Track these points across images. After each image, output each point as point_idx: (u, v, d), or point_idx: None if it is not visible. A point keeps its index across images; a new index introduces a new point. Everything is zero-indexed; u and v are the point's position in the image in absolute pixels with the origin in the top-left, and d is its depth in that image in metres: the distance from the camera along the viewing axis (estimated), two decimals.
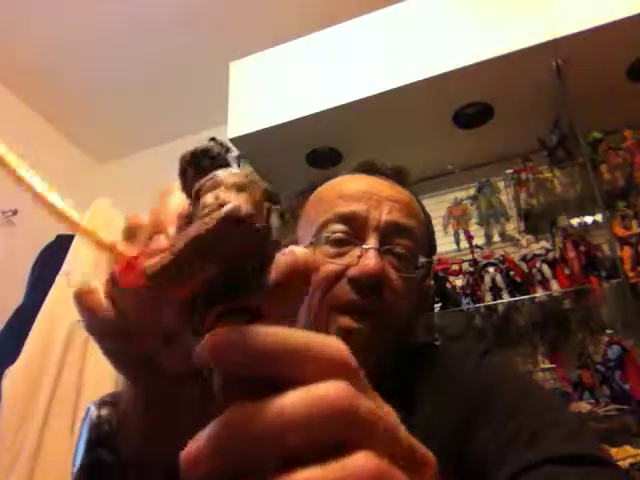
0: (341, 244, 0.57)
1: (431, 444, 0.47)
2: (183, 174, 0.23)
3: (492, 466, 0.45)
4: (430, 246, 0.65)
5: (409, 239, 0.59)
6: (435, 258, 2.26)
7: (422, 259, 0.59)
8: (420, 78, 1.85)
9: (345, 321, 0.54)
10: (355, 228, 0.57)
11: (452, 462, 0.47)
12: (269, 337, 0.18)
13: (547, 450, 0.43)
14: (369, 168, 0.65)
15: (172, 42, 2.42)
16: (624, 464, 1.33)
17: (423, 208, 0.66)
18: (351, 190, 0.61)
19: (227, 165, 0.22)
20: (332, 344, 0.19)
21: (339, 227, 0.58)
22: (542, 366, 1.79)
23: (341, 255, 0.57)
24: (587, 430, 0.53)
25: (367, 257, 0.54)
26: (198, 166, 0.22)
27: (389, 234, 0.57)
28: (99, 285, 0.24)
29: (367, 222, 0.57)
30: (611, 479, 0.42)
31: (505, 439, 0.46)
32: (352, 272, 0.55)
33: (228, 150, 0.23)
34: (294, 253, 0.22)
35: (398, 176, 0.65)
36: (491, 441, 0.47)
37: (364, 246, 0.56)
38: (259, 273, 0.21)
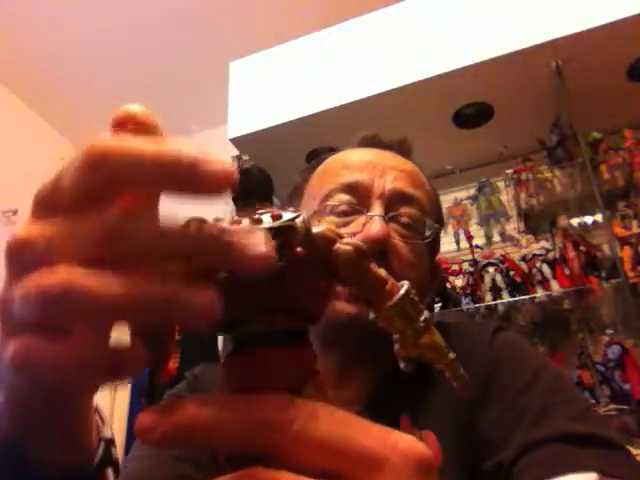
0: (346, 214, 0.56)
1: (447, 424, 0.48)
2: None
3: (500, 443, 0.45)
4: (438, 219, 0.64)
5: (415, 208, 0.57)
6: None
7: (430, 228, 0.58)
8: (420, 78, 1.86)
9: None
10: (360, 197, 0.56)
11: (466, 441, 0.47)
12: (185, 412, 0.18)
13: (556, 428, 0.43)
14: (373, 141, 0.65)
15: (172, 42, 2.42)
16: None
17: (429, 181, 0.65)
18: (355, 160, 0.60)
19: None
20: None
21: (344, 197, 0.57)
22: None
23: (346, 225, 0.55)
24: (596, 411, 0.52)
25: (371, 224, 0.53)
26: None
27: (394, 202, 0.56)
28: None
29: (371, 191, 0.56)
30: (621, 461, 0.41)
31: (513, 417, 0.46)
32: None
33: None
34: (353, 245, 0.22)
35: (401, 148, 0.65)
36: (500, 419, 0.47)
37: (369, 214, 0.55)
38: None
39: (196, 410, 0.18)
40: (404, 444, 0.18)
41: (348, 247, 0.21)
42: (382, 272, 0.22)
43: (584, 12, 1.71)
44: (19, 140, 2.59)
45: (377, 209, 0.55)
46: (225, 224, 0.20)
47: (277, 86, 2.14)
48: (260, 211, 0.21)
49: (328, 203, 0.57)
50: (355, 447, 0.18)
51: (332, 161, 0.64)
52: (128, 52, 2.46)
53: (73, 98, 2.69)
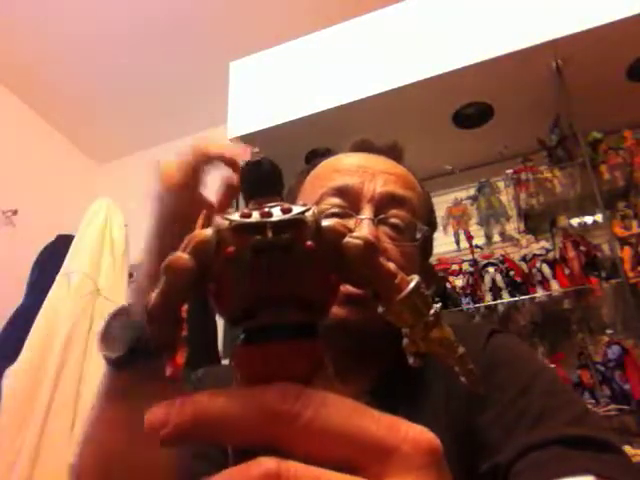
0: (336, 218, 0.56)
1: (441, 425, 0.48)
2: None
3: (498, 445, 0.45)
4: (430, 221, 0.64)
5: (406, 210, 0.58)
6: (435, 258, 2.22)
7: (421, 230, 0.58)
8: (420, 78, 1.85)
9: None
10: (350, 201, 0.57)
11: (461, 442, 0.47)
12: (196, 409, 0.18)
13: (554, 431, 0.43)
14: (365, 146, 0.66)
15: (172, 42, 2.42)
16: None
17: (421, 184, 0.66)
18: (346, 165, 0.61)
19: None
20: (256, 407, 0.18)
21: (334, 201, 0.58)
22: None
23: None
24: (593, 414, 0.52)
25: (360, 227, 0.54)
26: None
27: (384, 205, 0.57)
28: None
29: (362, 194, 0.57)
30: (618, 464, 0.41)
31: (511, 419, 0.46)
32: None
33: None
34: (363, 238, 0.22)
35: (393, 152, 0.66)
36: (497, 421, 0.47)
37: (358, 217, 0.55)
38: None
39: (207, 403, 0.18)
40: (415, 433, 0.18)
41: (358, 241, 0.21)
42: (392, 266, 0.22)
43: (584, 12, 1.70)
44: (19, 140, 2.59)
45: (367, 212, 0.56)
46: (236, 216, 0.20)
47: (277, 86, 2.14)
48: (270, 204, 0.21)
49: (319, 207, 0.58)
50: (367, 436, 0.18)
51: (324, 165, 0.65)
52: (128, 52, 2.46)
53: (73, 98, 2.69)
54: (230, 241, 0.20)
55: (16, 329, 1.74)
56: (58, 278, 1.72)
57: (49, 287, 1.71)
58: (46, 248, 2.06)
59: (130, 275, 2.12)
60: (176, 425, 0.18)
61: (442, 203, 2.14)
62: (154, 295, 0.20)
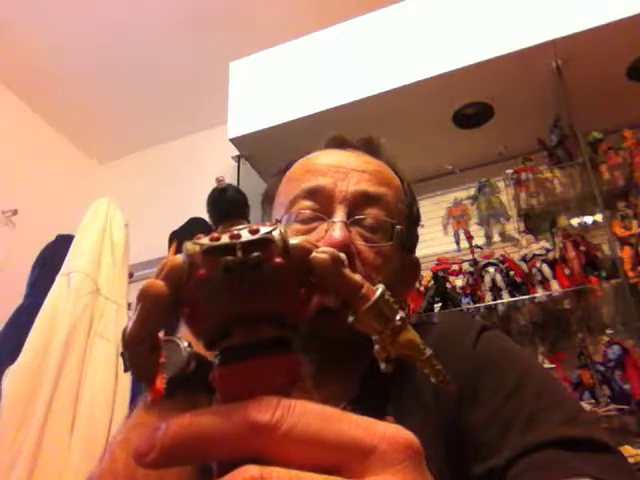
0: (309, 221, 0.56)
1: (432, 425, 0.47)
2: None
3: (490, 448, 0.44)
4: (411, 214, 0.63)
5: (380, 208, 0.56)
6: (435, 258, 2.20)
7: (396, 228, 0.56)
8: (420, 78, 1.86)
9: None
10: (323, 203, 0.56)
11: (450, 442, 0.47)
12: (179, 429, 0.19)
13: (548, 433, 0.42)
14: (339, 142, 0.64)
15: (172, 42, 2.42)
16: None
17: (399, 174, 0.63)
18: (318, 164, 0.60)
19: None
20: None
21: (307, 203, 0.56)
22: None
23: (309, 232, 0.55)
24: (586, 412, 0.51)
25: (332, 230, 0.52)
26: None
27: (358, 205, 0.56)
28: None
29: (334, 195, 0.56)
30: (614, 466, 0.40)
31: (504, 420, 0.45)
32: None
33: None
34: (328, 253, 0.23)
35: (368, 146, 0.64)
36: (488, 422, 0.46)
37: (330, 220, 0.54)
38: None
39: (189, 423, 0.19)
40: (392, 432, 0.19)
41: (324, 255, 0.22)
42: (357, 277, 0.23)
43: (584, 12, 1.71)
44: (19, 140, 2.59)
45: (339, 214, 0.54)
46: (206, 240, 0.21)
47: (277, 86, 2.14)
48: (238, 227, 0.22)
49: (293, 210, 0.57)
50: (345, 439, 0.19)
51: (297, 166, 0.63)
52: (128, 52, 2.46)
53: (73, 98, 2.69)
54: (201, 264, 0.20)
55: (16, 329, 1.74)
56: (58, 278, 1.72)
57: (49, 287, 1.71)
58: (46, 248, 2.06)
59: (130, 275, 2.12)
60: (162, 448, 0.18)
61: (442, 203, 2.14)
62: (131, 323, 0.21)
